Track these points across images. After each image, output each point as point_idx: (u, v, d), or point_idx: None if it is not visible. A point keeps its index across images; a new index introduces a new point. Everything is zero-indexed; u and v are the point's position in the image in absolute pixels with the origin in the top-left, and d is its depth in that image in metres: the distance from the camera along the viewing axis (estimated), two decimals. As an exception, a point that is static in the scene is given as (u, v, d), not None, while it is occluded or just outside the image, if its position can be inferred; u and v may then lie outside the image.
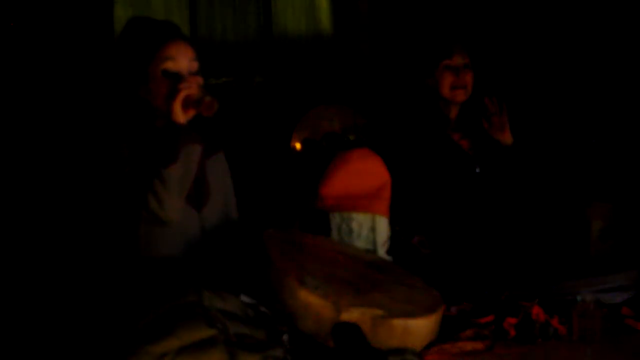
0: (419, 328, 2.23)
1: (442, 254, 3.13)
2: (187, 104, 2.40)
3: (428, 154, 3.30)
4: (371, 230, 2.80)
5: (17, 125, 4.11)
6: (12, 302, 2.91)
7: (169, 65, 2.42)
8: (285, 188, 3.63)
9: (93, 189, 2.52)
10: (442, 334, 2.36)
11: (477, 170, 3.32)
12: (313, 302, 2.17)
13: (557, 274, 2.84)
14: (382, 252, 2.79)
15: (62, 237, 3.45)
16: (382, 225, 2.82)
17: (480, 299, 2.61)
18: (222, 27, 4.99)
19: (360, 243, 2.76)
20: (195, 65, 2.47)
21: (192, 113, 2.41)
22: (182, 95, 2.37)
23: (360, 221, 2.79)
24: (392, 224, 2.91)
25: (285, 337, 2.19)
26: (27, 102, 4.18)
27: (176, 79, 2.42)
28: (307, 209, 2.84)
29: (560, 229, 3.17)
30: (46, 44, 4.24)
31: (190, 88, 2.38)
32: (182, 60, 2.45)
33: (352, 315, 2.14)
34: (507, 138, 3.31)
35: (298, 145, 3.85)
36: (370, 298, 2.25)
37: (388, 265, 2.64)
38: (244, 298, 2.22)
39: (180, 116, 2.39)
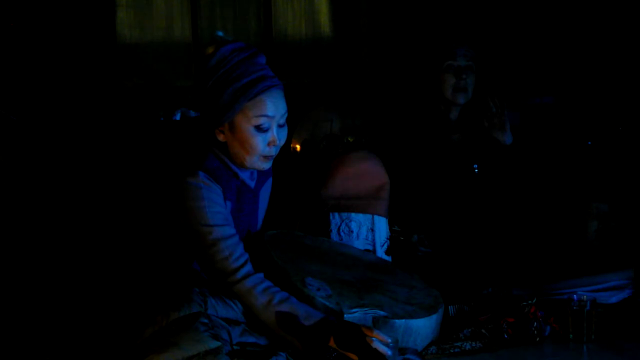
0: (420, 328, 2.26)
1: (441, 254, 3.14)
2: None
3: (427, 155, 3.31)
4: (370, 230, 2.81)
5: (17, 127, 4.11)
6: (17, 307, 2.92)
7: (263, 121, 2.27)
8: (285, 189, 3.64)
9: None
10: (442, 333, 2.39)
11: (476, 170, 3.33)
12: (315, 305, 2.19)
13: (554, 273, 2.86)
14: (381, 252, 2.81)
15: (67, 242, 3.46)
16: (381, 226, 2.84)
17: (479, 299, 2.63)
18: (223, 30, 4.98)
19: (360, 243, 2.78)
20: (285, 117, 2.33)
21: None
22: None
23: (359, 222, 2.80)
24: (391, 224, 2.92)
25: None
26: (27, 104, 4.18)
27: (266, 133, 2.28)
28: (307, 210, 2.86)
29: (557, 229, 3.19)
30: (49, 45, 4.24)
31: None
32: (277, 116, 2.30)
33: (354, 316, 2.17)
34: (506, 138, 3.33)
35: (298, 147, 3.86)
36: (372, 299, 2.28)
37: (388, 266, 2.66)
38: None
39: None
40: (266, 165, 2.35)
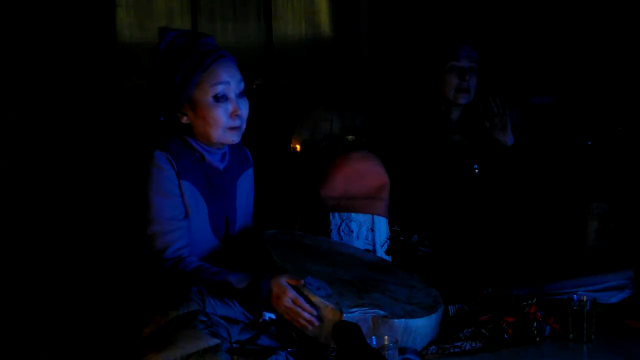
0: (419, 328, 2.26)
1: (441, 254, 3.13)
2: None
3: (428, 155, 3.30)
4: (370, 230, 2.81)
5: (17, 127, 4.11)
6: (19, 306, 2.92)
7: (220, 89, 2.32)
8: (285, 189, 3.63)
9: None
10: (442, 333, 2.39)
11: (476, 170, 3.32)
12: (315, 304, 2.18)
13: (554, 273, 2.85)
14: (381, 252, 2.81)
15: (67, 242, 3.46)
16: (381, 226, 2.83)
17: (479, 299, 2.63)
18: (223, 30, 4.99)
19: (360, 243, 2.77)
20: (242, 86, 2.38)
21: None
22: (291, 319, 2.19)
23: (359, 222, 2.80)
24: (391, 224, 2.92)
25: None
26: (27, 104, 4.18)
27: (226, 102, 2.33)
28: (307, 210, 2.85)
29: (557, 229, 3.18)
30: (49, 45, 4.24)
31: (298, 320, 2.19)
32: (233, 83, 2.34)
33: (353, 316, 2.17)
34: (508, 138, 3.32)
35: (298, 147, 3.86)
36: (371, 298, 2.27)
37: (388, 265, 2.66)
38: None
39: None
40: (235, 138, 2.37)
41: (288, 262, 2.31)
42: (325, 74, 4.98)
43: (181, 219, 2.33)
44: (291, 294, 2.18)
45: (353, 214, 2.79)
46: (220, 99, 2.33)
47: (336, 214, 2.79)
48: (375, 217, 2.82)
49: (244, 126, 2.39)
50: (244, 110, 2.37)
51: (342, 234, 2.78)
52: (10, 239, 3.60)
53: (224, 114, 2.33)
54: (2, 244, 3.56)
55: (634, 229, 3.12)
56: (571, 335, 2.41)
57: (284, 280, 2.20)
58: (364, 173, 2.86)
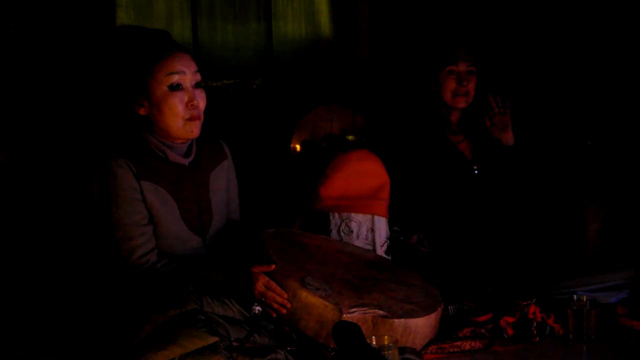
0: (419, 327, 2.25)
1: (441, 254, 3.13)
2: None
3: (427, 156, 3.30)
4: (370, 230, 2.80)
5: (16, 127, 4.12)
6: (17, 307, 2.92)
7: (175, 79, 2.32)
8: (285, 189, 3.64)
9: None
10: (441, 332, 2.39)
11: (476, 171, 3.31)
12: (314, 304, 2.18)
13: (554, 273, 2.85)
14: (381, 252, 2.80)
15: (67, 242, 3.46)
16: (381, 226, 2.83)
17: (478, 298, 2.63)
18: (223, 29, 4.98)
19: (360, 243, 2.77)
20: (198, 77, 2.38)
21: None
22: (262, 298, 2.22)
23: (359, 221, 2.79)
24: (391, 224, 2.92)
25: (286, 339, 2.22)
26: (27, 104, 4.18)
27: (182, 92, 2.33)
28: (307, 209, 2.85)
29: (558, 230, 3.18)
30: (47, 46, 4.24)
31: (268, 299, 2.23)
32: (188, 73, 2.34)
33: (353, 315, 2.17)
34: (508, 138, 3.31)
35: (298, 147, 3.87)
36: (371, 298, 2.27)
37: (387, 264, 2.65)
38: (258, 307, 2.22)
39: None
40: (195, 130, 2.36)
41: (287, 262, 2.31)
42: (325, 74, 4.98)
43: (144, 224, 2.32)
44: (263, 278, 2.20)
45: (353, 214, 2.79)
46: (175, 88, 2.32)
47: (336, 214, 2.79)
48: (375, 217, 2.81)
49: (202, 117, 2.37)
50: (201, 101, 2.36)
51: (342, 233, 2.77)
52: (10, 238, 3.60)
53: (180, 103, 2.32)
54: (2, 243, 3.56)
55: (634, 229, 3.12)
56: (571, 335, 2.41)
57: (255, 267, 2.22)
58: (363, 173, 2.85)
